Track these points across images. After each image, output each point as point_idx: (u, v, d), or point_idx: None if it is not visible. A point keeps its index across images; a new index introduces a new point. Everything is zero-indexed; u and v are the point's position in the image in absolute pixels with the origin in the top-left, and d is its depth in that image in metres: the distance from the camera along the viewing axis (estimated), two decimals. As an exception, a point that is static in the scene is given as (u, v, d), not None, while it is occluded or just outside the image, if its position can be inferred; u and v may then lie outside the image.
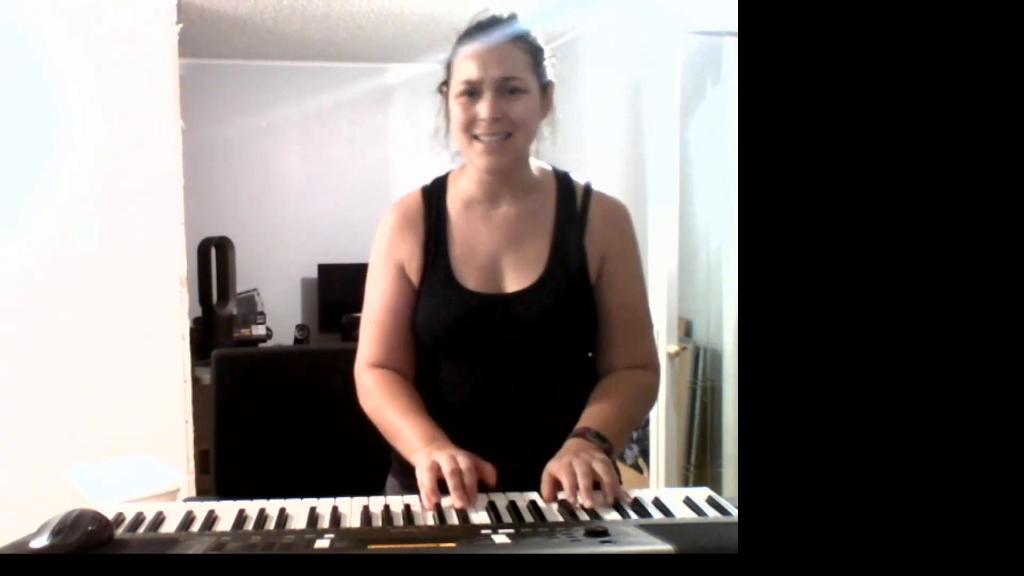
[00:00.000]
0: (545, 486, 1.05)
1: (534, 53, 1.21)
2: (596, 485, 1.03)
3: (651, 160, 2.56)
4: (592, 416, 1.18)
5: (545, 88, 1.24)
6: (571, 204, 1.27)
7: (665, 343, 2.49)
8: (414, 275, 1.26)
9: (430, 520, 0.97)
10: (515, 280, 1.23)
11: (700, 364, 2.73)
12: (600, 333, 1.26)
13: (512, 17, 1.22)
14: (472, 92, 1.18)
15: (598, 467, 1.04)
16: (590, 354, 1.30)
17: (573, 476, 1.02)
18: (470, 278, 1.23)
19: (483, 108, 1.17)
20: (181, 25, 2.98)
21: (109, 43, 2.89)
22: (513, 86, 1.17)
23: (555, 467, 1.06)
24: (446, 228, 1.26)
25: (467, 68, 1.18)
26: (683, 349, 2.59)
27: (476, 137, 1.18)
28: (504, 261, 1.24)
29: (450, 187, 1.29)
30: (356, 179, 4.36)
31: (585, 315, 1.24)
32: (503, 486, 1.06)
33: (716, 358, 2.70)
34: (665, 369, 2.51)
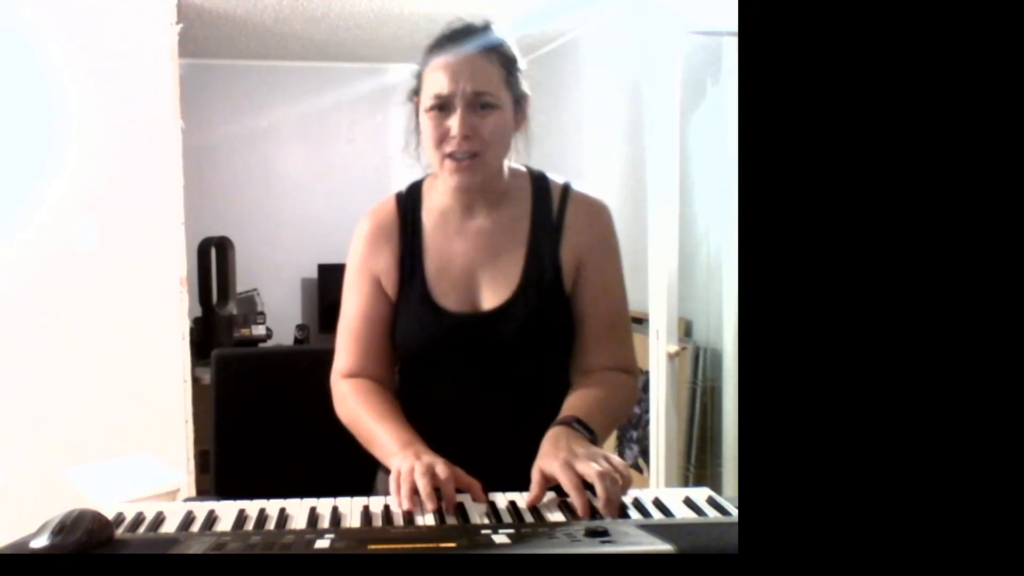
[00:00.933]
0: (536, 487, 1.01)
1: (507, 66, 1.19)
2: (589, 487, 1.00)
3: (651, 160, 2.56)
4: (575, 406, 1.15)
5: (519, 101, 1.21)
6: (547, 211, 1.25)
7: (665, 343, 2.49)
8: (390, 289, 1.26)
9: (430, 520, 0.97)
10: (490, 297, 1.22)
11: (700, 364, 2.72)
12: (577, 335, 1.25)
13: (486, 27, 1.19)
14: (443, 107, 1.15)
15: (616, 462, 1.00)
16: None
17: (574, 479, 0.99)
18: (446, 296, 1.22)
19: (454, 124, 1.14)
20: (181, 25, 2.98)
21: (109, 43, 2.89)
22: (485, 101, 1.15)
23: (554, 469, 1.01)
24: (421, 242, 1.25)
25: (438, 82, 1.15)
26: (683, 349, 2.59)
27: (447, 155, 1.16)
28: (480, 276, 1.23)
29: (425, 196, 1.28)
30: (356, 179, 4.36)
31: (561, 326, 1.23)
32: (487, 495, 1.04)
33: (716, 358, 2.70)
34: (665, 369, 2.51)
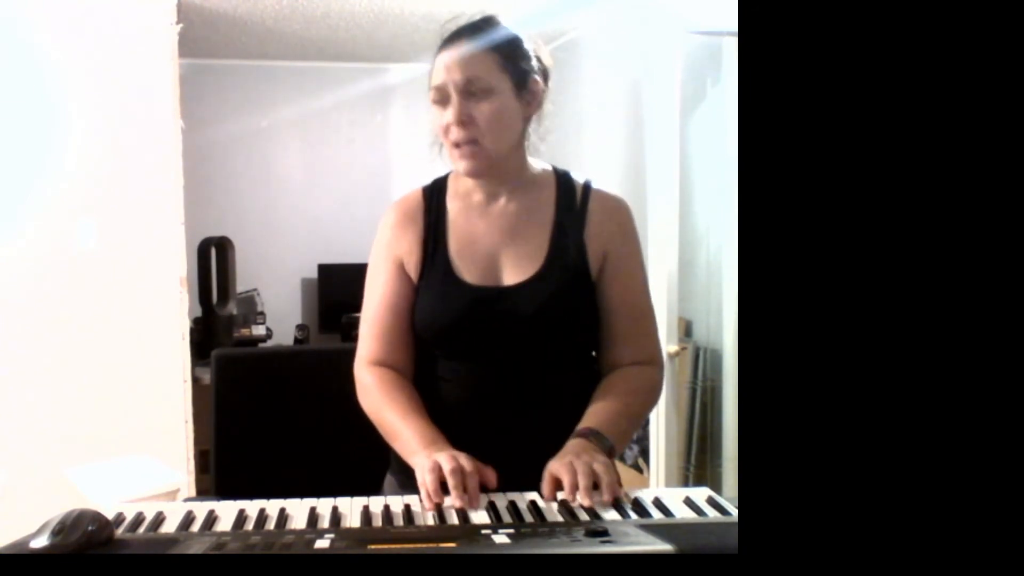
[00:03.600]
0: (546, 485, 1.05)
1: (505, 51, 1.19)
2: (595, 486, 1.03)
3: (651, 160, 2.56)
4: (595, 416, 1.17)
5: (524, 82, 1.21)
6: (571, 200, 1.27)
7: (665, 343, 2.49)
8: (413, 271, 1.26)
9: (430, 520, 0.97)
10: (514, 274, 1.23)
11: (700, 364, 2.73)
12: (602, 329, 1.26)
13: (486, 20, 1.22)
14: (441, 99, 1.19)
15: (598, 468, 1.04)
16: (593, 353, 1.30)
17: (573, 475, 1.03)
18: (469, 272, 1.23)
19: (450, 112, 1.17)
20: (181, 25, 2.98)
21: (109, 43, 2.89)
22: (477, 88, 1.17)
23: (556, 466, 1.06)
24: (445, 224, 1.27)
25: (435, 75, 1.19)
26: (683, 349, 2.59)
27: (452, 144, 1.19)
28: (503, 255, 1.24)
29: (450, 185, 1.30)
30: (356, 179, 4.36)
31: (585, 309, 1.24)
32: (504, 485, 1.06)
33: (716, 358, 2.70)
34: (665, 369, 2.51)
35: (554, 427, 1.16)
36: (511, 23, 1.23)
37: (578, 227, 1.25)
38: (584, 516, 0.97)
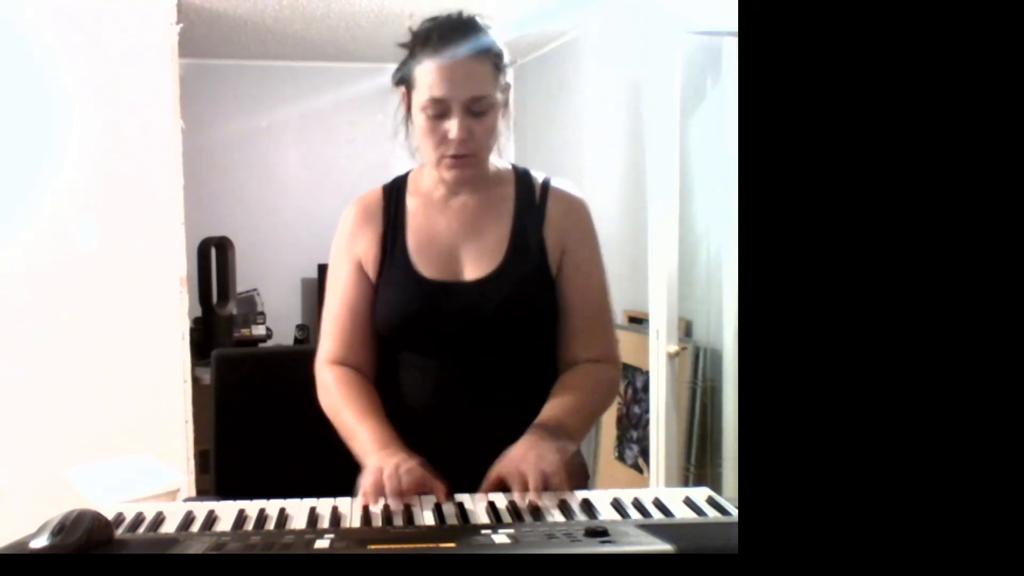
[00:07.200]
0: (487, 482, 1.05)
1: (497, 63, 1.19)
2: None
3: (651, 160, 2.56)
4: (550, 410, 1.17)
5: (507, 91, 1.23)
6: (530, 197, 1.27)
7: (665, 343, 2.49)
8: (371, 269, 1.27)
9: (430, 520, 0.97)
10: (474, 269, 1.23)
11: (700, 364, 2.72)
12: (560, 326, 1.26)
13: (471, 23, 1.19)
14: (441, 112, 1.16)
15: (547, 466, 1.03)
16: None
17: (522, 480, 1.02)
18: (428, 267, 1.23)
19: (452, 129, 1.15)
20: (181, 25, 2.98)
21: (109, 43, 2.89)
22: (480, 107, 1.16)
23: (505, 469, 1.05)
24: (404, 220, 1.27)
25: (435, 86, 1.15)
26: (683, 349, 2.59)
27: (444, 155, 1.18)
28: (463, 250, 1.24)
29: (410, 183, 1.31)
30: (356, 179, 4.34)
31: (545, 305, 1.24)
32: (466, 482, 1.06)
33: (716, 358, 2.70)
34: (665, 369, 2.51)
35: (515, 424, 1.15)
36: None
37: (537, 223, 1.25)
38: (581, 516, 0.97)
